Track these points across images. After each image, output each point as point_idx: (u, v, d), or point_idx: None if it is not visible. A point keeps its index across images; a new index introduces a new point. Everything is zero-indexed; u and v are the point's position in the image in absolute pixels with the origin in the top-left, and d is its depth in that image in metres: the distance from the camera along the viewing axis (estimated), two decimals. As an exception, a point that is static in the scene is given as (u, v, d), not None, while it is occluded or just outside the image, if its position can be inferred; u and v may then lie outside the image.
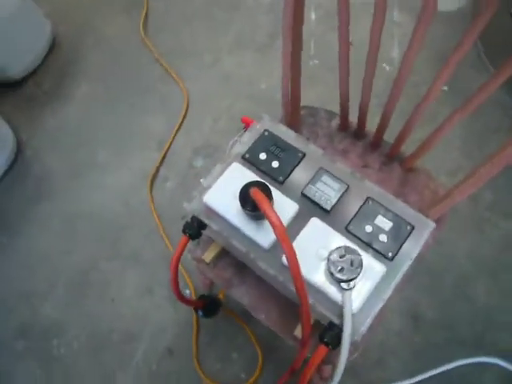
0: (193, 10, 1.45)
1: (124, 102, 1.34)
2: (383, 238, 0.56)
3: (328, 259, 0.51)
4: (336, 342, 0.53)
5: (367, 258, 0.54)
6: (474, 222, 1.12)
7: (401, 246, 0.55)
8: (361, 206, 0.58)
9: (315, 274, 0.53)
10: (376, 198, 0.58)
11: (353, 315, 0.52)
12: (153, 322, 1.07)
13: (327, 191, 0.58)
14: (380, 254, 0.55)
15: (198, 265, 0.71)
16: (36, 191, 1.25)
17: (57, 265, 1.16)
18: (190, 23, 1.43)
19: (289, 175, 0.60)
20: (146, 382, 1.02)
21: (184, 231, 0.61)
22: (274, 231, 0.46)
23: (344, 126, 0.77)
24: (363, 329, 0.52)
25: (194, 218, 0.61)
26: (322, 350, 0.54)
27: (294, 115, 0.72)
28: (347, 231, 0.56)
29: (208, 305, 0.81)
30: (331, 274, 0.50)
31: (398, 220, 0.57)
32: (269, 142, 0.62)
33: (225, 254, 0.70)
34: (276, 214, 0.47)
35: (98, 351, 1.05)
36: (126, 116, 1.32)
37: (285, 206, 0.57)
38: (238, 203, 0.56)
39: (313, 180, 0.59)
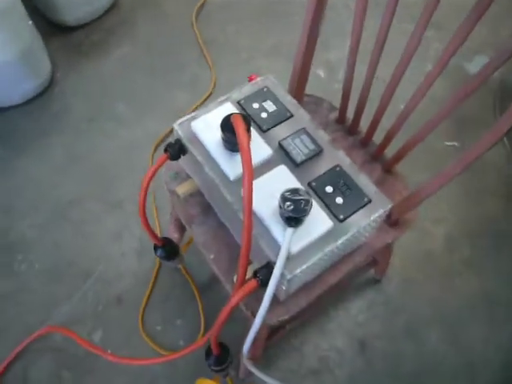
0: (245, 13, 1.56)
1: (158, 70, 1.42)
2: (339, 200, 0.59)
3: (282, 194, 0.54)
4: (268, 280, 0.55)
5: (319, 210, 0.58)
6: (446, 271, 1.13)
7: (353, 213, 0.59)
8: (328, 170, 0.62)
9: (266, 209, 0.57)
10: (344, 168, 0.62)
11: (290, 257, 0.55)
12: (113, 268, 1.10)
13: (302, 148, 0.63)
14: (332, 213, 0.58)
15: (171, 197, 0.75)
16: (50, 124, 1.32)
17: (45, 193, 1.20)
18: (238, 22, 1.54)
19: (272, 127, 0.65)
20: (87, 317, 1.03)
21: (165, 149, 0.65)
22: (240, 146, 0.51)
23: (341, 119, 0.82)
24: (297, 271, 0.55)
25: (178, 141, 0.65)
26: (253, 283, 0.56)
27: (298, 90, 0.77)
28: (309, 186, 0.60)
29: (168, 247, 0.83)
30: (280, 207, 0.54)
31: (357, 190, 0.60)
32: (264, 96, 0.68)
33: (196, 194, 0.74)
34: (247, 136, 0.52)
35: (53, 276, 1.08)
36: (155, 83, 1.40)
37: (260, 149, 0.62)
38: (219, 136, 0.61)
39: (292, 135, 0.64)
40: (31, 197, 1.19)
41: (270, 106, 0.67)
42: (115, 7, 1.54)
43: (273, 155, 0.62)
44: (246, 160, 0.50)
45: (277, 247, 0.55)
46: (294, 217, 0.53)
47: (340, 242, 0.57)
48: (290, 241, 0.54)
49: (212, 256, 0.70)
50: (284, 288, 0.58)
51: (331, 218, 0.58)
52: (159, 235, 0.85)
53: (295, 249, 0.55)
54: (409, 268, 1.13)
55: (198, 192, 0.73)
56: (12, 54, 1.20)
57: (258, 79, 0.69)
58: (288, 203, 0.53)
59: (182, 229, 0.92)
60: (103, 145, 1.29)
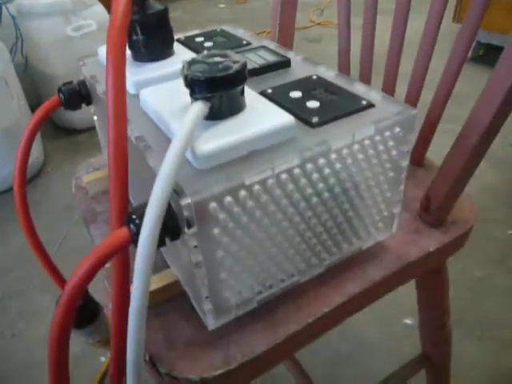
0: None
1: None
2: (313, 104, 0.32)
3: (186, 62, 0.28)
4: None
5: (265, 103, 0.30)
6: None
7: (338, 117, 0.30)
8: (297, 79, 0.36)
9: (168, 114, 0.30)
10: (327, 78, 0.36)
11: (198, 171, 0.26)
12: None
13: (256, 59, 0.39)
14: (298, 117, 0.30)
15: (76, 195, 0.49)
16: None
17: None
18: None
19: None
20: None
21: (60, 90, 0.43)
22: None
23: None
24: (210, 192, 0.25)
25: (82, 84, 0.43)
26: (120, 233, 0.26)
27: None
28: (261, 94, 0.34)
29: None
30: (183, 77, 0.27)
31: (348, 95, 0.33)
32: (215, 34, 0.47)
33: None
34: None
35: None
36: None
37: (181, 56, 0.39)
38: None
39: (242, 51, 0.41)
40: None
41: (219, 39, 0.46)
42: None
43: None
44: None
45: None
46: (207, 79, 0.26)
47: (310, 153, 0.28)
48: (195, 119, 0.26)
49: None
50: (197, 257, 0.27)
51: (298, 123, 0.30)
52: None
53: (212, 145, 0.26)
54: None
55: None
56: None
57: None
58: (197, 66, 0.28)
59: None
60: (70, 237, 1.08)
